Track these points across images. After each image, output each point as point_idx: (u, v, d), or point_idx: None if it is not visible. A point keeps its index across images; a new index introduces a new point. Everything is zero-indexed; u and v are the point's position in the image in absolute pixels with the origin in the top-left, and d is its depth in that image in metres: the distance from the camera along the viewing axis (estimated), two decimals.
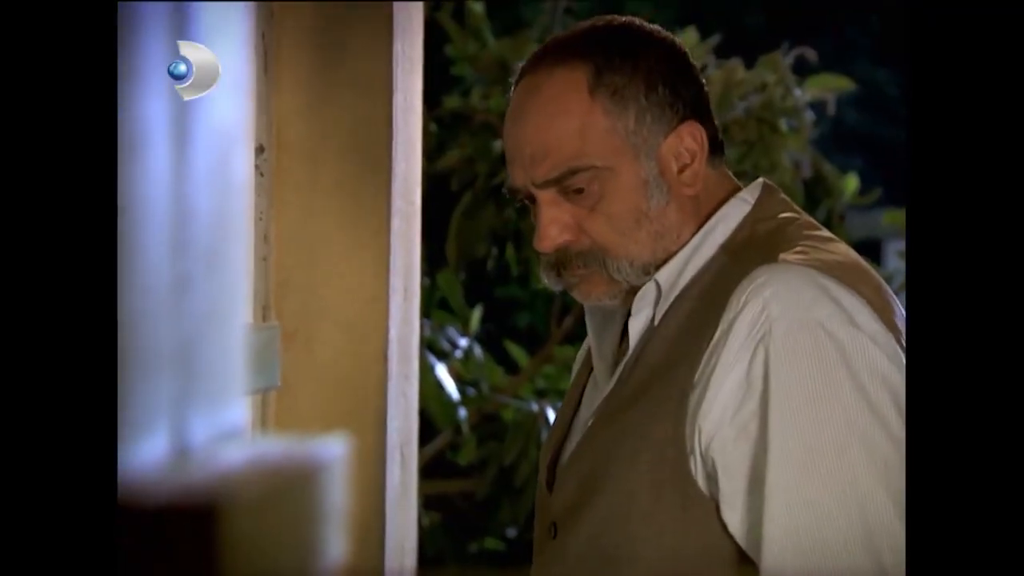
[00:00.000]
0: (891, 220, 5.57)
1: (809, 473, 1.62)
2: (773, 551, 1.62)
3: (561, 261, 1.77)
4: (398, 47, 2.46)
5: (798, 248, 1.72)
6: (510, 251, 4.69)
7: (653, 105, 1.75)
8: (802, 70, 4.97)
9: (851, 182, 5.17)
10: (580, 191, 1.74)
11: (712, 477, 1.66)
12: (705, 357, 1.67)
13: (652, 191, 1.75)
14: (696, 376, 1.67)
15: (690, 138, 1.76)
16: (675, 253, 1.76)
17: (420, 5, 2.64)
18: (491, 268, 4.78)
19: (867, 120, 13.21)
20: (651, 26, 1.82)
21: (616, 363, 1.82)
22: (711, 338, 1.67)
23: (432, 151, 4.49)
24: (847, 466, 1.62)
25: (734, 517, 1.66)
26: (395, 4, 2.46)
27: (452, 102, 4.73)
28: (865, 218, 7.60)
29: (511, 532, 4.77)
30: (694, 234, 1.77)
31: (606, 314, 1.84)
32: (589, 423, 1.78)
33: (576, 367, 1.98)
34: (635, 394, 1.72)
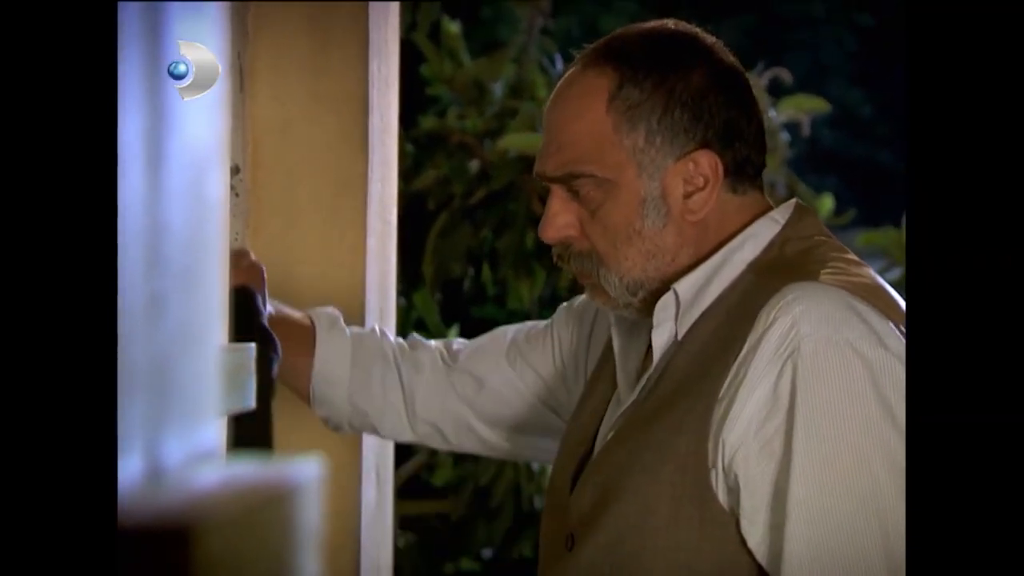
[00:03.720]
0: (866, 241, 5.58)
1: (831, 488, 1.62)
2: (792, 565, 1.62)
3: (563, 256, 1.81)
4: (374, 67, 2.46)
5: (827, 269, 1.72)
6: (486, 271, 4.69)
7: (665, 128, 1.75)
8: (776, 91, 4.98)
9: (826, 202, 5.19)
10: (583, 194, 1.77)
11: (734, 491, 1.67)
12: (732, 371, 1.67)
13: (648, 211, 1.76)
14: (722, 390, 1.67)
15: (706, 165, 1.76)
16: (687, 269, 1.76)
17: (396, 25, 2.64)
18: (467, 288, 4.78)
19: (842, 141, 13.24)
20: (708, 42, 1.81)
21: (639, 377, 1.82)
22: (738, 353, 1.68)
23: (408, 171, 4.49)
24: (869, 482, 1.62)
25: (754, 532, 1.66)
26: (371, 24, 2.46)
27: (428, 122, 4.73)
28: (840, 238, 7.62)
29: (487, 553, 4.76)
30: (698, 257, 1.77)
31: (632, 329, 1.84)
32: (609, 436, 1.78)
33: (587, 379, 1.98)
34: (659, 408, 1.73)
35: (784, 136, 5.00)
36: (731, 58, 1.82)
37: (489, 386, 2.06)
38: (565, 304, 2.07)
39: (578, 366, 2.03)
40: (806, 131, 5.07)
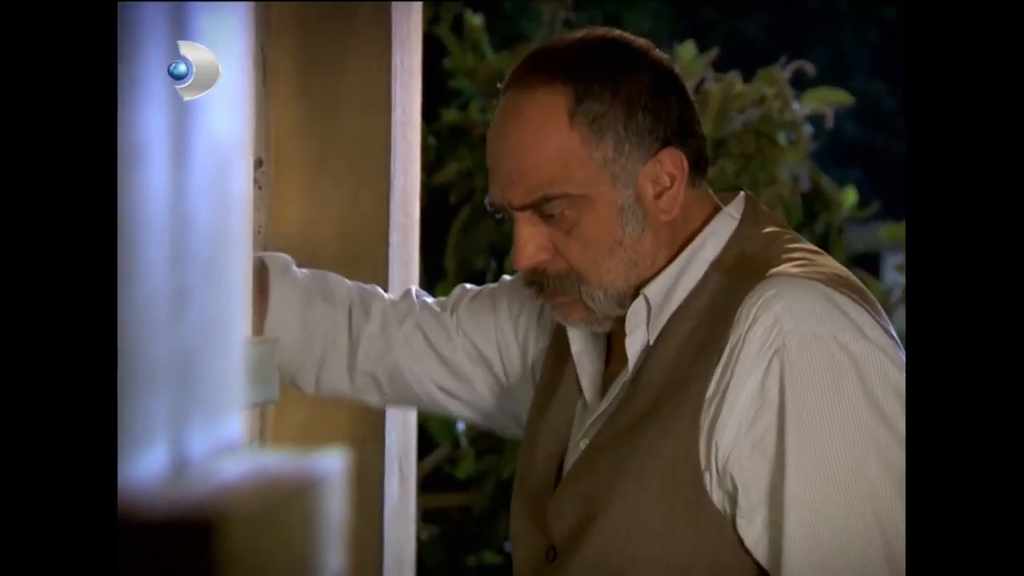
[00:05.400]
0: (889, 234, 5.58)
1: (826, 486, 1.62)
2: (792, 564, 1.62)
3: (538, 281, 1.78)
4: (396, 60, 2.46)
5: (797, 261, 1.71)
6: (508, 264, 4.69)
7: (632, 134, 1.73)
8: (800, 83, 4.98)
9: (849, 195, 5.18)
10: (556, 215, 1.73)
11: (729, 493, 1.66)
12: (718, 372, 1.66)
13: (628, 218, 1.74)
14: (709, 392, 1.66)
15: (670, 163, 1.75)
16: (658, 272, 1.75)
17: (418, 18, 2.64)
18: (489, 281, 4.77)
19: (865, 133, 13.22)
20: (639, 43, 1.79)
21: (604, 382, 1.81)
22: (719, 353, 1.67)
23: (431, 164, 4.49)
24: (863, 478, 1.62)
25: (751, 530, 1.65)
26: (393, 17, 2.46)
27: (450, 115, 4.74)
28: (863, 231, 7.60)
29: (509, 546, 4.77)
30: (672, 258, 1.76)
31: (589, 333, 1.83)
32: (583, 444, 1.77)
33: (532, 364, 1.96)
34: (640, 414, 1.71)
35: (807, 129, 4.99)
36: (661, 54, 1.81)
37: (432, 349, 2.01)
38: (511, 279, 2.03)
39: (527, 348, 2.00)
40: (829, 123, 5.06)
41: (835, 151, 10.51)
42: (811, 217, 4.93)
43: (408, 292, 2.08)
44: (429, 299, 2.07)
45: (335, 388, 2.05)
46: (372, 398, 2.06)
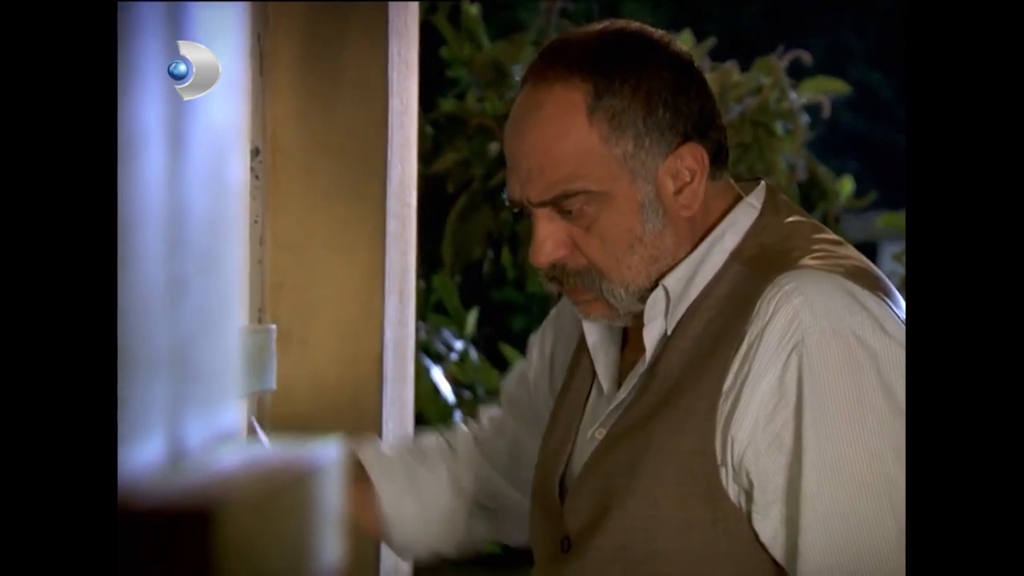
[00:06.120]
0: (886, 223, 5.59)
1: (844, 482, 1.61)
2: (809, 560, 1.62)
3: (558, 277, 1.76)
4: (393, 50, 2.46)
5: (816, 253, 1.70)
6: (505, 254, 4.70)
7: (652, 129, 1.71)
8: (797, 73, 4.99)
9: (846, 185, 5.19)
10: (575, 212, 1.72)
11: (745, 488, 1.66)
12: (735, 367, 1.65)
13: (648, 215, 1.72)
14: (725, 387, 1.66)
15: (691, 158, 1.73)
16: (678, 263, 1.75)
17: (415, 8, 2.64)
18: (486, 271, 4.79)
19: (862, 123, 13.23)
20: (658, 36, 1.77)
21: (620, 372, 1.81)
22: (737, 348, 1.66)
23: (428, 154, 4.50)
24: (881, 474, 1.61)
25: (767, 526, 1.65)
26: (390, 7, 2.46)
27: (448, 105, 4.74)
28: (860, 220, 7.61)
29: None
30: (693, 249, 1.75)
31: (603, 324, 1.82)
32: (600, 435, 1.77)
33: (553, 371, 1.96)
34: (655, 406, 1.71)
35: (804, 118, 5.00)
36: (681, 46, 1.79)
37: (512, 452, 2.05)
38: (533, 336, 2.06)
39: (554, 366, 2.02)
40: (826, 113, 5.07)
41: (832, 141, 10.51)
42: (808, 206, 4.94)
43: (481, 415, 2.12)
44: (494, 410, 2.11)
45: (460, 539, 2.10)
46: (483, 529, 2.10)
